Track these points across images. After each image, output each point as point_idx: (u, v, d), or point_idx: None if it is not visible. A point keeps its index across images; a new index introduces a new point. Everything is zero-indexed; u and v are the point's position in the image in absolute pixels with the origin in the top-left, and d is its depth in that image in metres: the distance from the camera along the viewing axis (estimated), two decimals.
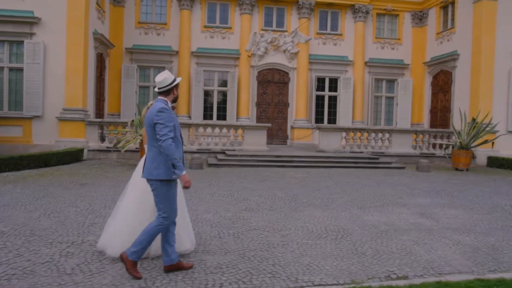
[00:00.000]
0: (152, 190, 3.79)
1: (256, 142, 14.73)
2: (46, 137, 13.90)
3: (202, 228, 5.44)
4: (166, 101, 3.88)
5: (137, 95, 18.39)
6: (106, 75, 17.39)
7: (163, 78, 3.89)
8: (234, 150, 14.40)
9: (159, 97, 3.92)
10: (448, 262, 4.39)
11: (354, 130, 15.65)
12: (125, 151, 12.93)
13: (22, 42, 13.73)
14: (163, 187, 3.73)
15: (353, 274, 3.97)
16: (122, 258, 3.73)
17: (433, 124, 18.85)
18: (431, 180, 10.74)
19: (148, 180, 3.80)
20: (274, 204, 7.07)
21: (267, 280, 3.76)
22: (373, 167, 13.19)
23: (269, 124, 15.47)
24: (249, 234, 5.19)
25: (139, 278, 3.68)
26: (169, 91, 3.91)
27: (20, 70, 13.81)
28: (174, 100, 3.99)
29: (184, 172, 3.69)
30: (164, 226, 3.79)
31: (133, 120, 12.31)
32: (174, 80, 3.94)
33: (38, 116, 13.84)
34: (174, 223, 3.92)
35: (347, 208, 6.89)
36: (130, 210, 4.17)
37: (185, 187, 3.74)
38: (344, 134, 15.57)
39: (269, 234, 5.21)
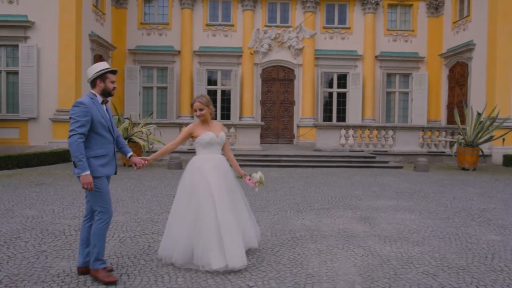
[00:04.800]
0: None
1: (249, 142, 14.21)
2: (41, 138, 14.14)
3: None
4: (94, 94, 3.59)
5: (140, 96, 18.42)
6: None
7: (89, 69, 3.64)
8: None
9: (90, 90, 3.66)
10: (333, 277, 3.71)
11: (354, 127, 14.72)
12: None
13: (17, 46, 14.05)
14: (93, 183, 3.45)
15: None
16: (91, 275, 3.55)
17: (450, 120, 17.47)
18: (419, 181, 9.76)
19: (77, 177, 3.53)
20: None
21: None
22: (367, 166, 12.28)
23: (262, 123, 14.94)
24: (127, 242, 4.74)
25: (116, 281, 3.46)
26: (93, 82, 3.60)
27: (16, 73, 14.15)
28: (105, 93, 3.64)
29: (85, 173, 3.38)
30: (105, 221, 3.55)
31: None
32: (101, 70, 3.58)
33: (33, 118, 14.10)
34: (108, 223, 3.63)
35: (284, 211, 6.25)
36: (177, 214, 3.89)
37: (84, 187, 3.42)
38: (343, 132, 14.69)
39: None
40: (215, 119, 18.78)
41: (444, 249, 4.54)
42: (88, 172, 3.40)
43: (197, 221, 3.76)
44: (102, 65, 3.65)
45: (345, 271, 3.86)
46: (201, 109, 3.98)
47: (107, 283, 3.43)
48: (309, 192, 7.99)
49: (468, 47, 15.91)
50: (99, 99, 3.63)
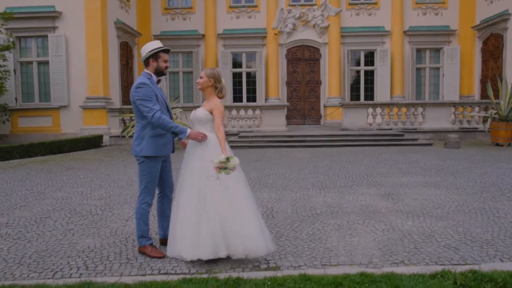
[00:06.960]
0: (138, 164, 3.66)
1: (274, 123, 14.17)
2: (73, 125, 14.58)
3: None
4: (150, 74, 3.64)
5: (167, 81, 18.60)
6: (134, 63, 17.77)
7: (142, 48, 3.67)
8: (251, 131, 13.99)
9: (144, 70, 3.72)
10: (351, 250, 3.69)
11: (382, 105, 14.36)
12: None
13: (46, 36, 14.43)
14: (147, 163, 3.60)
15: (221, 264, 3.47)
16: (140, 251, 3.70)
17: (484, 95, 16.74)
18: (449, 157, 9.48)
19: (135, 156, 3.67)
20: None
21: None
22: (395, 144, 12.02)
23: (287, 104, 14.88)
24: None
25: (163, 256, 3.58)
26: (146, 62, 3.65)
27: (47, 63, 14.57)
28: (159, 73, 3.68)
29: (188, 131, 3.50)
30: (148, 203, 3.67)
31: None
32: (154, 49, 3.59)
33: (64, 106, 14.55)
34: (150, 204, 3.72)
35: (306, 189, 6.23)
36: (184, 204, 3.53)
37: (198, 140, 3.50)
38: (371, 110, 14.38)
39: None
40: (241, 101, 18.59)
41: (468, 223, 4.41)
42: (189, 130, 3.52)
43: None
44: (155, 44, 3.65)
45: (364, 245, 3.83)
46: (201, 77, 3.68)
47: (154, 258, 3.57)
48: (333, 170, 7.92)
49: (503, 17, 15.12)
50: (155, 78, 3.66)
